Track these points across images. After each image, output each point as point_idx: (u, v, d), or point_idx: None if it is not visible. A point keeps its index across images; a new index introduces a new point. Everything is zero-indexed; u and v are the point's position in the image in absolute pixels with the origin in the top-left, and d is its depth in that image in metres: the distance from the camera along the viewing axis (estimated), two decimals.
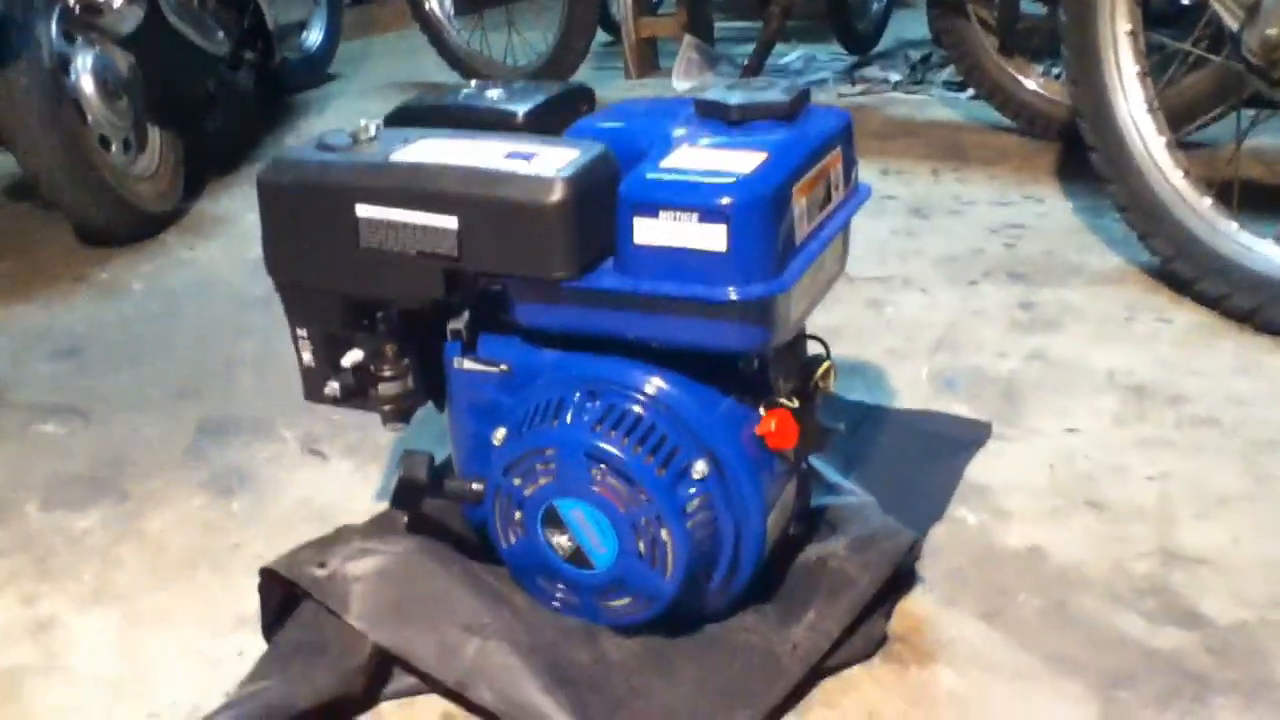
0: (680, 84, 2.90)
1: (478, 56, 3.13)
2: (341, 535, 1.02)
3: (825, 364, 0.97)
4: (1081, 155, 1.67)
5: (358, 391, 1.00)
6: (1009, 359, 1.43)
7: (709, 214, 0.81)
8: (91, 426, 1.43)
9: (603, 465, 0.85)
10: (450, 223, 0.86)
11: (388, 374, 0.99)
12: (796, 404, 0.91)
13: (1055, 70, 2.25)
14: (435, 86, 2.83)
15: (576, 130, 0.97)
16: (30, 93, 1.87)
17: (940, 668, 0.93)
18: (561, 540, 0.89)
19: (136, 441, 1.38)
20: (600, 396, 0.88)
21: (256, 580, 0.97)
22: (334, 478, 1.27)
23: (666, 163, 0.85)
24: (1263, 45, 1.38)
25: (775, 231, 0.83)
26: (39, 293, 1.90)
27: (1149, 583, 1.00)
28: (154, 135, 2.24)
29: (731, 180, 0.81)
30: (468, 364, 0.95)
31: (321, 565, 0.96)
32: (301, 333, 0.99)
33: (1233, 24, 1.42)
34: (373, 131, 0.94)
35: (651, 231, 0.83)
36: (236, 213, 2.24)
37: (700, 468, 0.86)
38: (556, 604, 0.94)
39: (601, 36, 3.30)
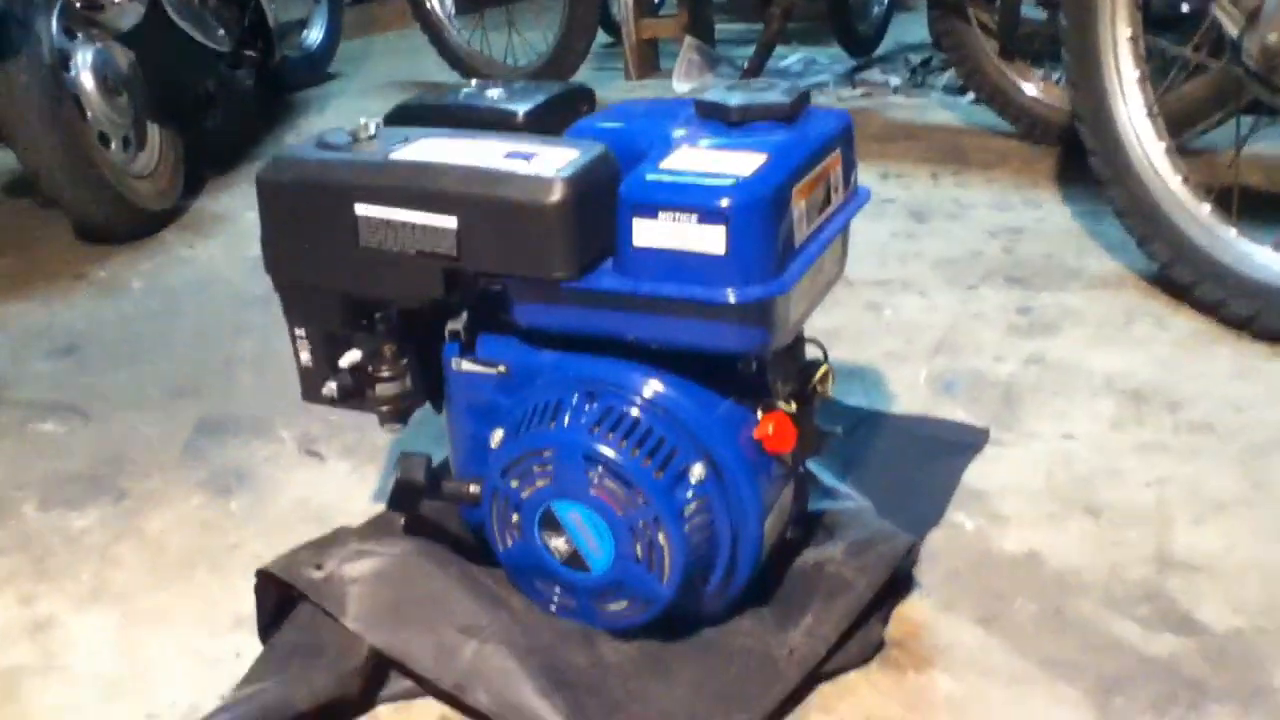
0: (680, 85, 2.90)
1: (478, 56, 3.13)
2: (338, 537, 1.02)
3: (823, 368, 0.97)
4: (1081, 160, 1.67)
5: (355, 392, 1.00)
6: (1007, 363, 1.43)
7: (708, 215, 0.81)
8: (90, 425, 1.43)
9: (600, 467, 0.85)
10: (449, 222, 0.86)
11: (386, 374, 0.98)
12: (794, 407, 0.91)
13: (1055, 75, 2.25)
14: (435, 86, 2.82)
15: (576, 130, 0.97)
16: (30, 89, 1.87)
17: (937, 672, 0.93)
18: (559, 543, 0.89)
19: (135, 440, 1.38)
20: (598, 398, 0.88)
21: (254, 581, 0.97)
22: (331, 478, 1.27)
23: (666, 164, 0.85)
24: (1263, 51, 1.38)
25: (774, 233, 0.83)
26: (38, 290, 1.89)
27: (1145, 588, 1.00)
28: (154, 133, 2.23)
29: (731, 182, 0.81)
30: (466, 365, 0.95)
31: (318, 567, 0.96)
32: (300, 332, 0.99)
33: (1233, 30, 1.42)
34: (372, 130, 0.94)
35: (651, 232, 0.83)
36: (236, 211, 2.24)
37: (698, 471, 0.86)
38: (554, 607, 0.94)
39: (602, 37, 3.30)
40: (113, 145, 2.10)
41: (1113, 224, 1.67)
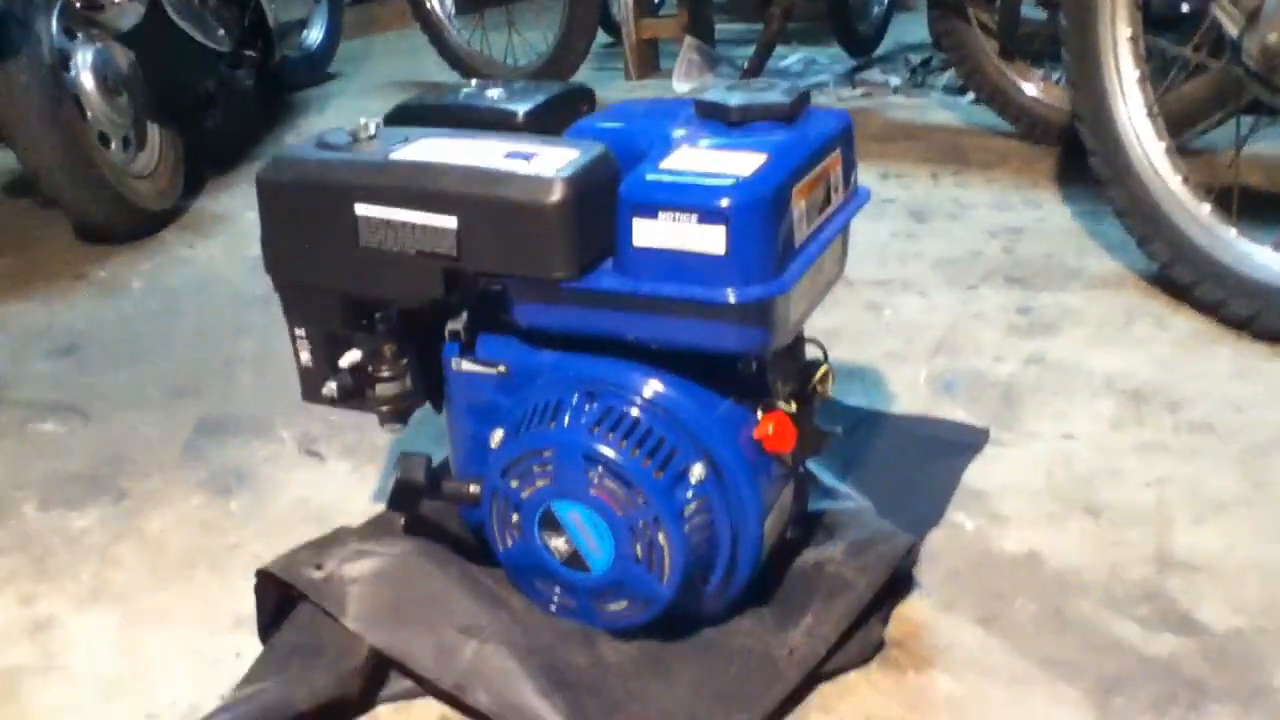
0: (680, 85, 2.90)
1: (478, 56, 3.13)
2: (338, 537, 1.02)
3: (823, 368, 0.97)
4: (1081, 160, 1.67)
5: (355, 392, 1.00)
6: (1007, 363, 1.43)
7: (708, 215, 0.81)
8: (90, 425, 1.43)
9: (600, 467, 0.85)
10: (450, 222, 0.86)
11: (386, 375, 0.98)
12: (794, 407, 0.91)
13: (1055, 75, 2.25)
14: (435, 86, 2.82)
15: (577, 130, 0.97)
16: (30, 89, 1.87)
17: (937, 672, 0.93)
18: (559, 543, 0.89)
19: (135, 440, 1.38)
20: (598, 398, 0.88)
21: (254, 581, 0.97)
22: (331, 478, 1.27)
23: (666, 164, 0.85)
24: (1263, 51, 1.38)
25: (774, 233, 0.83)
26: (38, 290, 1.89)
27: (1145, 588, 1.00)
28: (154, 133, 2.23)
29: (731, 182, 0.81)
30: (466, 365, 0.95)
31: (318, 567, 0.96)
32: (300, 332, 0.99)
33: (1233, 30, 1.42)
34: (372, 130, 0.94)
35: (651, 232, 0.83)
36: (236, 211, 2.24)
37: (698, 471, 0.86)
38: (554, 607, 0.94)
39: (602, 37, 3.30)
40: (113, 145, 2.10)
41: (1113, 224, 1.67)
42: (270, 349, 1.56)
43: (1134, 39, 1.56)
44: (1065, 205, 1.96)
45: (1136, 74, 1.57)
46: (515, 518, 0.90)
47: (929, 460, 1.21)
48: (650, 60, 3.25)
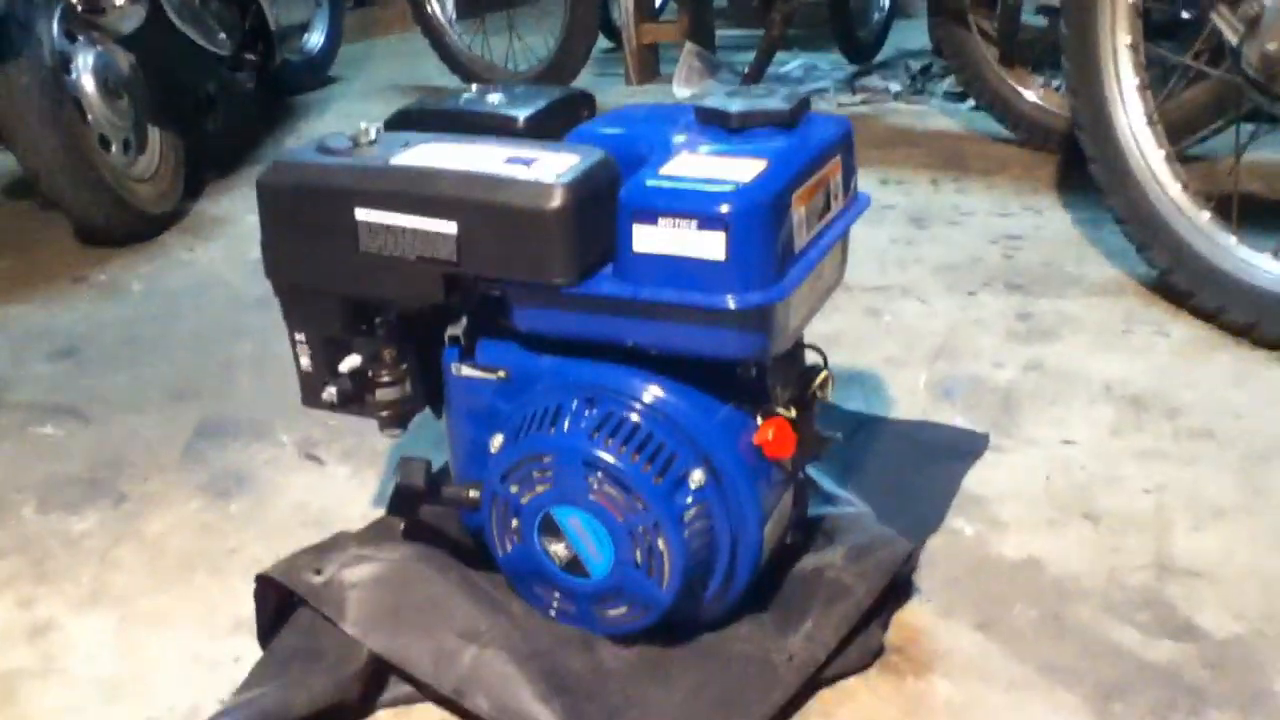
0: (681, 90, 2.90)
1: (479, 60, 3.14)
2: (338, 542, 1.02)
3: (823, 373, 0.97)
4: (1081, 167, 1.67)
5: (355, 397, 1.00)
6: (1006, 369, 1.43)
7: (708, 221, 0.81)
8: (90, 428, 1.43)
9: (600, 473, 0.85)
10: (450, 228, 0.86)
11: (385, 379, 0.99)
12: (794, 413, 0.91)
13: (1055, 81, 2.26)
14: (436, 90, 2.83)
15: (577, 136, 0.97)
16: (31, 91, 1.87)
17: (936, 678, 0.93)
18: (558, 548, 0.89)
19: (135, 443, 1.38)
20: (598, 403, 0.88)
21: (253, 584, 0.97)
22: (331, 482, 1.27)
23: (666, 170, 0.86)
24: (1262, 59, 1.38)
25: (774, 239, 0.83)
26: (38, 292, 1.89)
27: (1144, 594, 1.01)
28: (154, 136, 2.24)
29: (731, 188, 0.82)
30: (466, 370, 0.95)
31: (318, 572, 0.96)
32: (300, 337, 0.99)
33: (1233, 38, 1.42)
34: (373, 135, 0.94)
35: (651, 238, 0.83)
36: (236, 214, 2.24)
37: (697, 476, 0.86)
38: (553, 612, 0.94)
39: (603, 42, 3.31)
40: (113, 148, 2.10)
41: (1112, 231, 1.67)
42: (270, 352, 1.57)
43: (1134, 46, 1.57)
44: (1065, 212, 1.96)
45: (1136, 81, 1.57)
46: (515, 523, 0.90)
47: (928, 466, 1.21)
48: (651, 65, 3.26)
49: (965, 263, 1.78)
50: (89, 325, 1.75)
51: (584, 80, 3.01)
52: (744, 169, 0.84)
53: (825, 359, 1.00)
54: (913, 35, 3.27)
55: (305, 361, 1.00)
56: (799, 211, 0.86)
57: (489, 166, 0.86)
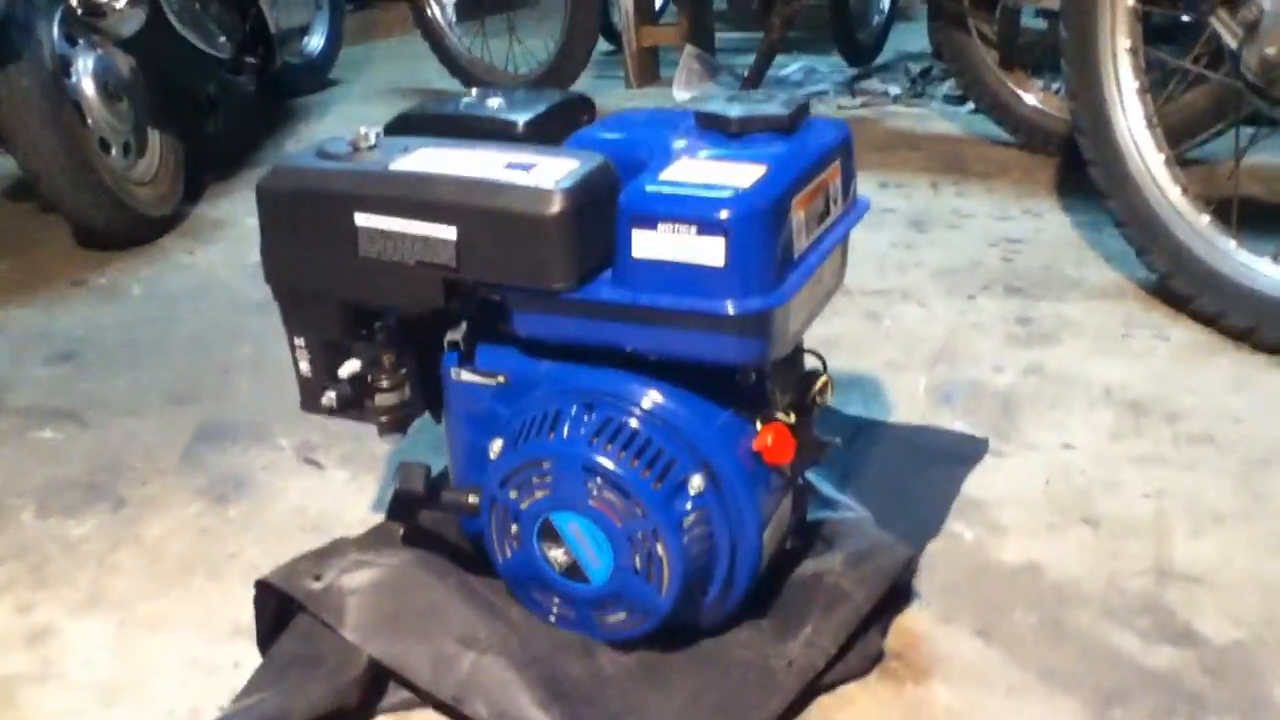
0: (681, 94, 2.90)
1: (479, 63, 3.14)
2: (337, 547, 1.02)
3: (822, 378, 0.97)
4: (1081, 170, 1.67)
5: (354, 402, 1.00)
6: (1006, 373, 1.43)
7: (707, 227, 0.81)
8: (88, 431, 1.43)
9: (599, 478, 0.85)
10: (449, 233, 0.86)
11: (385, 384, 0.99)
12: (793, 418, 0.91)
13: (1055, 85, 2.26)
14: (436, 93, 2.83)
15: (576, 140, 0.97)
16: (31, 94, 1.87)
17: (936, 684, 0.92)
18: (557, 554, 0.89)
19: (133, 447, 1.38)
20: (597, 409, 0.88)
21: (252, 589, 0.97)
22: (330, 487, 1.27)
23: (666, 175, 0.85)
24: (1261, 63, 1.39)
25: (773, 244, 0.83)
26: (37, 295, 1.89)
27: (1144, 600, 1.00)
28: (154, 139, 2.24)
29: (730, 193, 0.82)
30: (465, 375, 0.95)
31: (317, 578, 0.96)
32: (299, 342, 0.99)
33: (1232, 42, 1.42)
34: (372, 140, 0.94)
35: (650, 243, 0.83)
36: (236, 217, 2.24)
37: (697, 482, 0.86)
38: (552, 617, 0.94)
39: (603, 45, 3.31)
40: (113, 151, 2.10)
41: (1112, 234, 1.67)
42: (269, 356, 1.56)
43: (1134, 50, 1.57)
44: (1065, 215, 1.96)
45: (1136, 85, 1.57)
46: (514, 528, 0.90)
47: (928, 470, 1.21)
48: (650, 68, 3.26)
49: (965, 266, 1.78)
50: (88, 328, 1.75)
51: (584, 83, 3.01)
52: (743, 174, 0.84)
53: (824, 364, 1.00)
54: (912, 38, 3.28)
55: (304, 366, 1.00)
56: (798, 216, 0.86)
57: (488, 172, 0.86)
